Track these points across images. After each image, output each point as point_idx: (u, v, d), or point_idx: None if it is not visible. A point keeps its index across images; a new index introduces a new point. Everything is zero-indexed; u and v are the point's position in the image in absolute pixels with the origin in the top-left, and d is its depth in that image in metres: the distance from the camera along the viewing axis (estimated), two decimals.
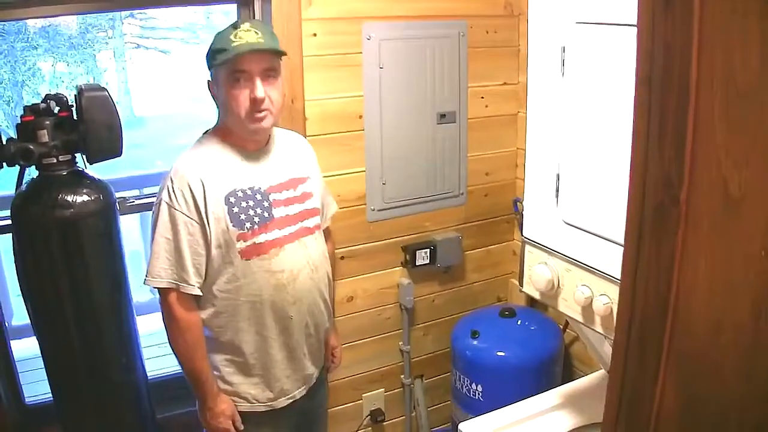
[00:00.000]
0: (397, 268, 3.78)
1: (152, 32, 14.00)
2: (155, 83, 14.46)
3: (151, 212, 2.61)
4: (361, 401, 3.91)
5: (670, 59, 1.06)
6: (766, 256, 0.98)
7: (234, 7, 3.33)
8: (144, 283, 2.55)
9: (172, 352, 2.63)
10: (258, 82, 2.47)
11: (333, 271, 3.03)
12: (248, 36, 2.45)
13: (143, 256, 4.54)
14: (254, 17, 3.22)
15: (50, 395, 2.96)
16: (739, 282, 1.03)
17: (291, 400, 2.77)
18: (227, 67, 2.46)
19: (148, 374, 3.18)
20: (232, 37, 2.44)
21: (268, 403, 2.73)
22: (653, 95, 1.10)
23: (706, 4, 1.00)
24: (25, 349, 3.92)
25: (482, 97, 3.78)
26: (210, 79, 2.59)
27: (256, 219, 2.57)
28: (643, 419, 1.22)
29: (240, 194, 2.56)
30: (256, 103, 2.47)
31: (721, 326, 1.08)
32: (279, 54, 2.57)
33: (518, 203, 3.86)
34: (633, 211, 1.17)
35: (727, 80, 1.00)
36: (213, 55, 2.49)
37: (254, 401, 2.72)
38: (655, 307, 1.15)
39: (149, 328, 3.02)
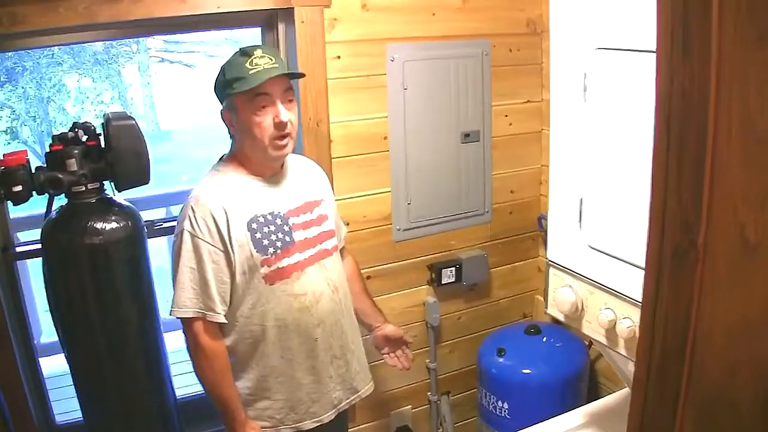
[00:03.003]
0: (423, 287, 3.80)
1: (176, 46, 14.07)
2: (180, 97, 14.53)
3: (173, 238, 2.64)
4: (388, 418, 3.92)
5: (688, 105, 1.08)
6: None
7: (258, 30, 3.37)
8: (170, 314, 2.56)
9: (198, 381, 2.65)
10: (281, 106, 2.50)
11: (365, 286, 3.15)
12: (263, 62, 2.47)
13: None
14: (278, 41, 3.26)
15: (80, 412, 2.99)
16: (756, 325, 1.05)
17: (318, 424, 2.77)
18: (248, 94, 2.47)
19: (178, 390, 3.21)
20: (247, 64, 2.46)
21: (294, 425, 2.73)
22: (671, 140, 1.12)
23: (723, 52, 1.02)
24: (54, 366, 3.96)
25: (506, 116, 3.79)
26: (224, 109, 2.60)
27: (279, 243, 2.59)
28: None
29: (261, 220, 2.58)
30: (280, 127, 2.49)
31: (737, 367, 1.09)
32: (297, 76, 2.63)
33: (543, 220, 3.86)
34: (652, 253, 1.19)
35: (744, 126, 1.01)
36: (229, 84, 2.50)
37: (279, 425, 2.72)
38: (674, 346, 1.17)
39: (178, 345, 3.04)
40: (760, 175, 1.01)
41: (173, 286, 2.56)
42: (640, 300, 1.27)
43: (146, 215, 3.09)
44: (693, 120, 1.07)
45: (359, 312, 3.05)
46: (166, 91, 14.77)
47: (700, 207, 1.07)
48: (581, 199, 2.30)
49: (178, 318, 2.57)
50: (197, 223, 2.50)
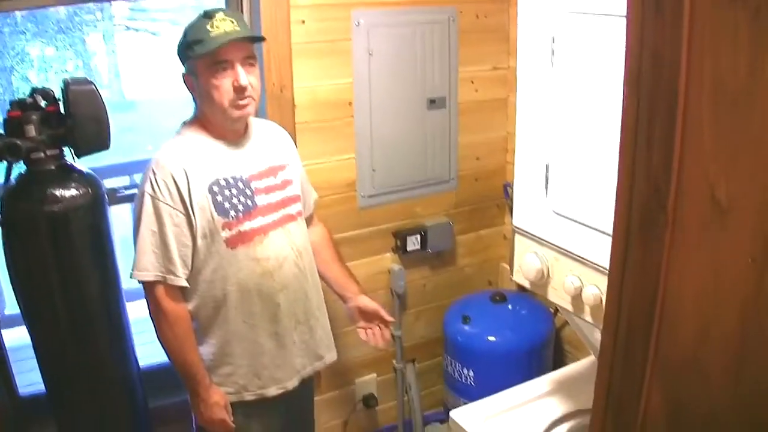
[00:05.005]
0: (388, 254, 3.78)
1: (141, 14, 13.89)
2: (145, 66, 14.38)
3: (134, 202, 2.62)
4: (353, 386, 3.92)
5: (659, 65, 1.06)
6: (753, 263, 0.98)
7: None
8: (131, 277, 2.55)
9: (161, 346, 2.63)
10: (240, 70, 2.48)
11: (338, 252, 3.13)
12: (225, 25, 2.45)
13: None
14: (241, 4, 3.20)
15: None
16: (727, 289, 1.03)
17: (282, 390, 2.76)
18: (207, 58, 2.45)
19: (141, 361, 3.19)
20: (208, 27, 2.44)
21: (258, 392, 2.73)
22: (641, 101, 1.09)
23: (696, 9, 0.99)
24: (18, 337, 3.91)
25: (472, 82, 3.77)
26: (185, 72, 2.59)
27: (240, 207, 2.58)
28: (630, 422, 1.22)
29: (223, 183, 2.57)
30: (240, 91, 2.48)
31: (707, 333, 1.08)
32: (257, 40, 2.60)
33: (508, 188, 3.86)
34: (620, 216, 1.17)
35: (716, 86, 0.99)
36: (190, 47, 2.48)
37: (243, 391, 2.72)
38: (642, 312, 1.15)
39: (141, 314, 3.02)
40: (731, 135, 0.99)
41: (135, 250, 2.54)
42: (607, 267, 1.26)
43: (109, 184, 3.05)
44: (664, 80, 1.05)
45: (331, 281, 3.04)
46: (132, 60, 14.60)
47: (670, 169, 1.06)
48: (547, 165, 2.28)
49: (139, 282, 2.56)
50: (158, 185, 2.49)
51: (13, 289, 2.79)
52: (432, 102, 3.65)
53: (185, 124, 2.67)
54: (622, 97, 1.14)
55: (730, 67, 0.97)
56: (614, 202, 1.18)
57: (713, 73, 0.99)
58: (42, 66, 11.91)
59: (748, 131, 0.97)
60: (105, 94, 2.74)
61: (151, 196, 2.49)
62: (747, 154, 0.97)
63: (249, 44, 2.53)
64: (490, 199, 4.02)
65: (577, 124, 2.15)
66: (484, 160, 3.93)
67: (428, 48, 3.57)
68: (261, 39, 2.66)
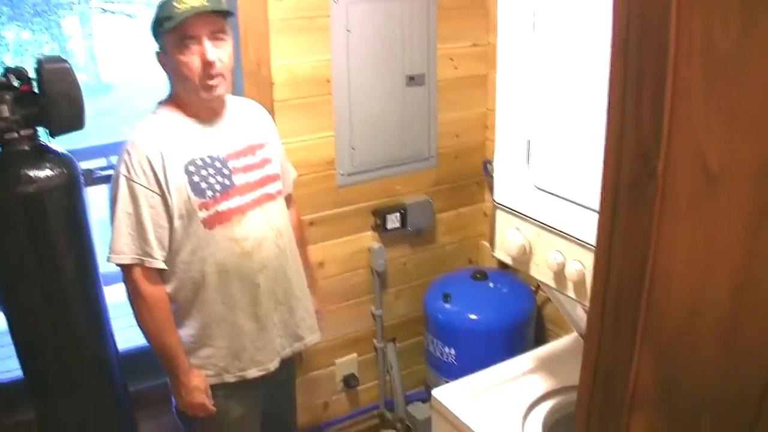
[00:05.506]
0: (368, 233, 3.76)
1: None
2: (122, 48, 14.28)
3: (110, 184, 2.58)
4: (334, 367, 3.90)
5: (648, 28, 1.03)
6: (745, 232, 0.96)
7: None
8: (107, 260, 2.53)
9: (140, 330, 2.61)
10: (208, 45, 2.45)
11: (304, 237, 3.07)
12: (192, 0, 2.41)
13: None
14: None
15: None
16: (718, 260, 1.01)
17: (264, 372, 2.74)
18: (175, 33, 2.43)
19: (120, 345, 3.15)
20: (175, 3, 2.41)
21: (238, 373, 2.70)
22: (629, 65, 1.07)
23: None
24: None
25: (451, 59, 3.74)
26: (158, 50, 2.55)
27: (218, 187, 2.55)
28: (619, 398, 1.20)
29: (199, 162, 2.54)
30: (208, 67, 2.45)
31: (699, 307, 1.05)
32: (226, 14, 2.55)
33: (488, 165, 3.84)
34: (608, 185, 1.14)
35: (706, 49, 0.97)
36: (159, 24, 2.45)
37: (223, 373, 2.69)
38: (630, 285, 1.13)
39: (119, 298, 2.98)
40: (722, 99, 0.96)
41: (111, 233, 2.52)
42: (590, 242, 1.23)
43: (86, 165, 3.01)
44: (652, 43, 1.02)
45: None
46: (108, 43, 14.49)
47: (659, 135, 1.03)
48: (528, 140, 2.26)
49: (117, 265, 2.54)
50: (133, 166, 2.46)
51: None
52: (411, 79, 3.63)
53: (160, 103, 2.64)
54: (609, 64, 1.11)
55: (720, 29, 0.94)
56: (601, 171, 1.15)
57: (703, 34, 0.96)
58: (18, 50, 11.79)
59: (740, 95, 0.94)
60: (81, 77, 2.70)
61: (126, 177, 2.47)
62: (739, 120, 0.95)
63: (217, 19, 2.50)
64: (470, 177, 4.01)
65: (559, 97, 2.13)
66: (463, 137, 3.91)
67: (407, 24, 3.54)
68: (228, 13, 2.60)
